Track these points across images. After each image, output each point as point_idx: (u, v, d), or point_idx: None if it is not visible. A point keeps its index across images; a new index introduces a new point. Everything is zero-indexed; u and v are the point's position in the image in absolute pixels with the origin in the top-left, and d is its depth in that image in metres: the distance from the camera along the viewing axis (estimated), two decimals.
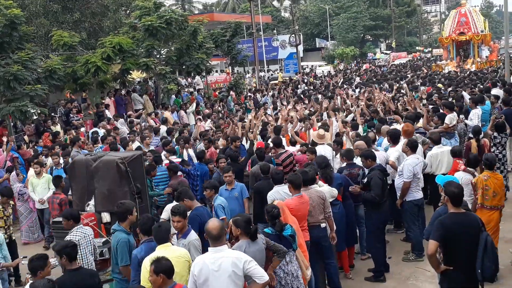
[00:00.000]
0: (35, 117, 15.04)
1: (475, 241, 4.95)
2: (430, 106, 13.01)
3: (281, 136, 10.29)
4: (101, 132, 14.30)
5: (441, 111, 11.90)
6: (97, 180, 7.51)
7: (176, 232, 5.88)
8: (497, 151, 9.95)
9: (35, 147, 13.25)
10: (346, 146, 9.62)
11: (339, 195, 7.33)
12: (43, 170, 10.53)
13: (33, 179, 10.41)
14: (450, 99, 14.24)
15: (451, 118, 10.71)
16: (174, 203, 6.89)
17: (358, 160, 8.32)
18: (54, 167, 10.87)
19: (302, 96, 22.20)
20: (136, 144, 11.87)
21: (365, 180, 7.45)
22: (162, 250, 5.07)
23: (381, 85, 22.59)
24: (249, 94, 25.84)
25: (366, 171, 7.72)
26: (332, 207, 6.94)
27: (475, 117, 11.56)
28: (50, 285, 4.54)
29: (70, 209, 7.15)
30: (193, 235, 5.75)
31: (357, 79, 30.35)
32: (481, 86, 17.54)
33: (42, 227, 10.81)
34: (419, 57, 55.28)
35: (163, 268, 4.47)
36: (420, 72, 31.00)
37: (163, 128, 14.82)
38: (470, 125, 11.31)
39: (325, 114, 14.10)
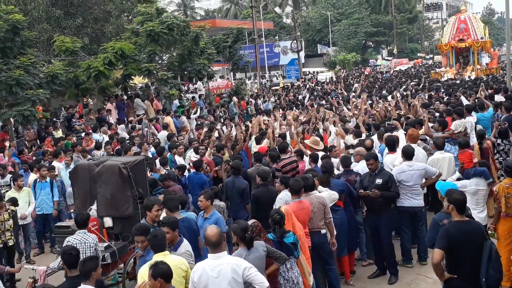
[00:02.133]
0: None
1: (479, 249, 4.93)
2: (437, 114, 12.98)
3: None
4: (102, 137, 14.30)
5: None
6: (99, 184, 7.52)
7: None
8: (501, 158, 9.89)
9: (37, 152, 13.21)
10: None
11: (340, 201, 7.32)
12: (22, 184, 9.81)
13: (13, 193, 9.46)
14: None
15: (457, 125, 10.45)
16: None
17: (356, 167, 8.31)
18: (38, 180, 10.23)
19: (303, 101, 22.18)
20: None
21: (380, 181, 7.38)
22: (160, 258, 4.95)
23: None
24: (250, 100, 25.87)
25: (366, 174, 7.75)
26: (333, 213, 6.93)
27: (468, 125, 10.99)
28: None
29: (77, 213, 7.13)
30: (183, 248, 5.56)
31: (356, 85, 30.34)
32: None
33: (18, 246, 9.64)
34: (421, 64, 55.22)
35: (161, 272, 4.43)
36: (417, 80, 30.73)
37: (164, 134, 14.84)
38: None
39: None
